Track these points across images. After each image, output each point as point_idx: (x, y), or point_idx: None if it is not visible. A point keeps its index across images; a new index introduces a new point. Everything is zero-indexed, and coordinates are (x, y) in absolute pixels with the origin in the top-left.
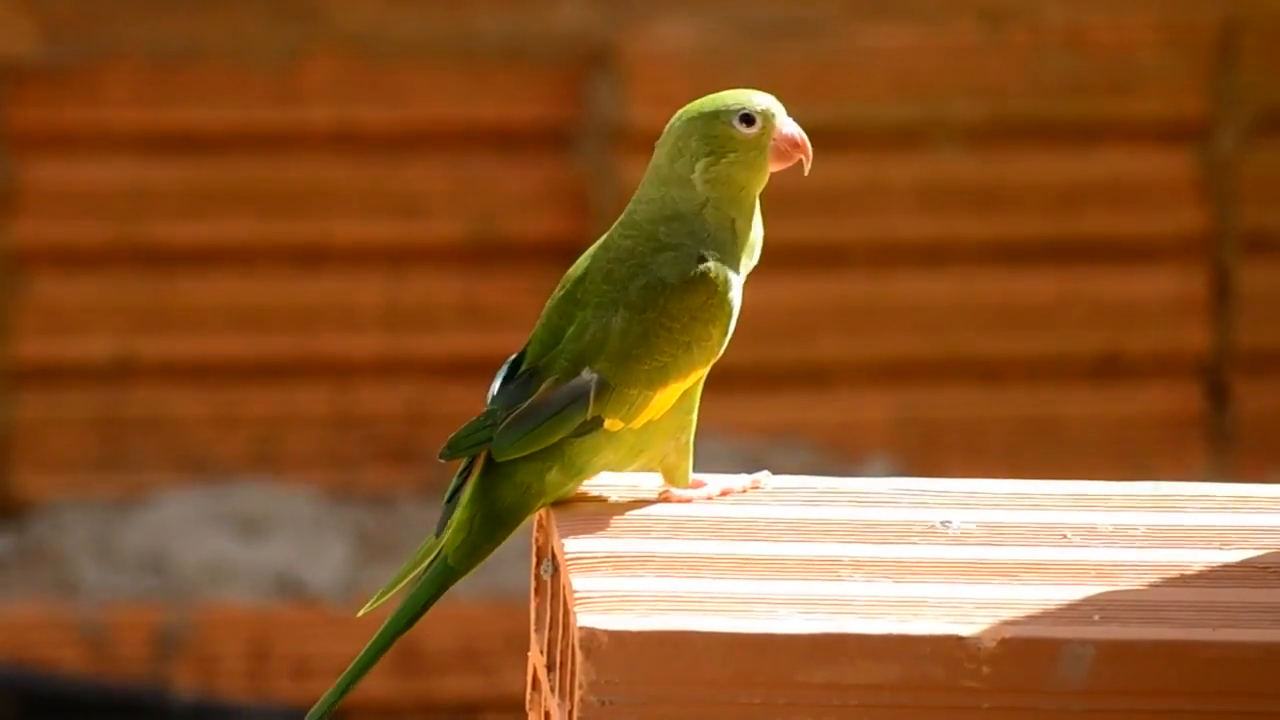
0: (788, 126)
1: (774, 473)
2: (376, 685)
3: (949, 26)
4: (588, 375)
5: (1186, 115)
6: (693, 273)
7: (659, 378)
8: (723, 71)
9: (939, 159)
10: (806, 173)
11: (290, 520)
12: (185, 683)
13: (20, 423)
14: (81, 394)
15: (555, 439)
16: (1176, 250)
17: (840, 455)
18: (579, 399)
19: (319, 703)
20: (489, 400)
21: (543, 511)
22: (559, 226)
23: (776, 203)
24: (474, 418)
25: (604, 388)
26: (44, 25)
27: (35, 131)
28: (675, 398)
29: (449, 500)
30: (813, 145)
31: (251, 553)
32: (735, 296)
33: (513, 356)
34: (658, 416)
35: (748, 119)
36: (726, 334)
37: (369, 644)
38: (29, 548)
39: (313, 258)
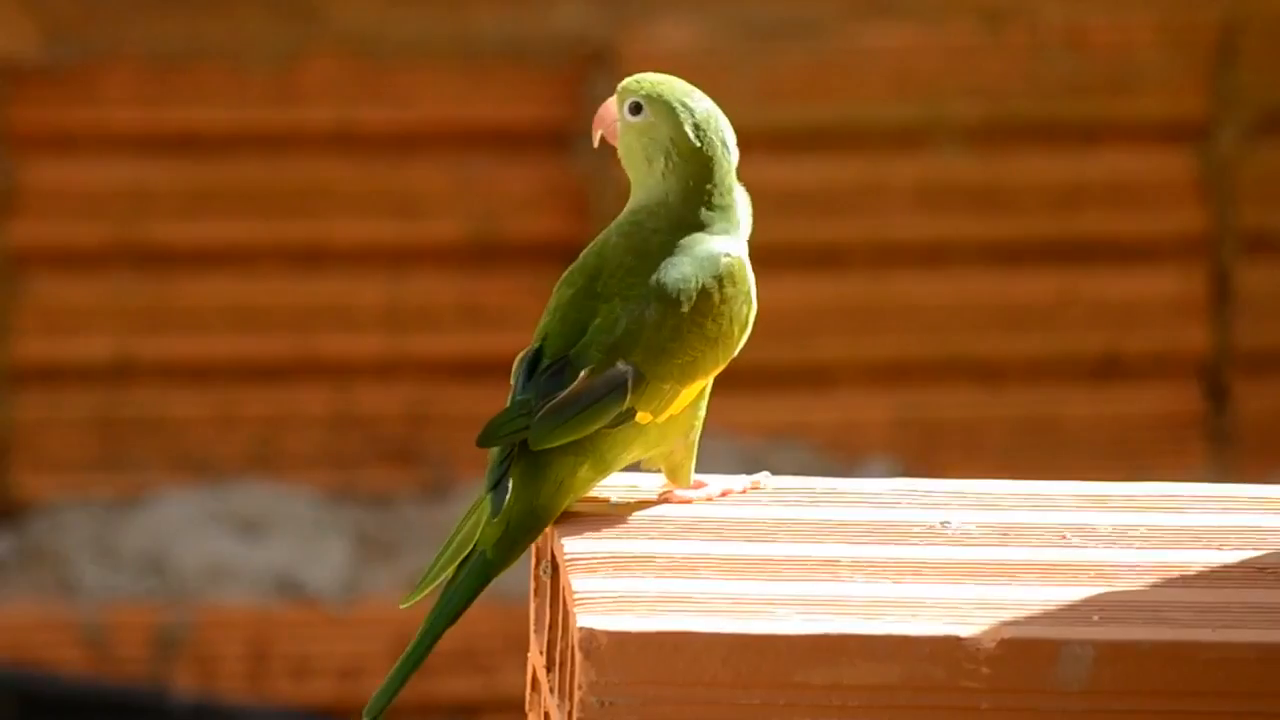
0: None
1: (774, 473)
2: (376, 685)
3: (949, 26)
4: (624, 367)
5: (1186, 115)
6: (724, 268)
7: (690, 372)
8: (723, 71)
9: (939, 159)
10: (595, 145)
11: (290, 520)
12: (185, 683)
13: (20, 423)
14: (81, 394)
15: (593, 428)
16: (1176, 250)
17: (840, 455)
18: (617, 389)
19: (371, 701)
20: (517, 392)
21: None
22: (559, 226)
23: (777, 202)
24: (506, 407)
25: (640, 380)
26: (44, 25)
27: (35, 131)
28: (696, 394)
29: (494, 487)
30: (813, 145)
31: (251, 553)
32: (753, 295)
33: (526, 352)
34: (678, 412)
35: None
36: (747, 330)
37: (414, 641)
38: (29, 548)
39: (313, 258)
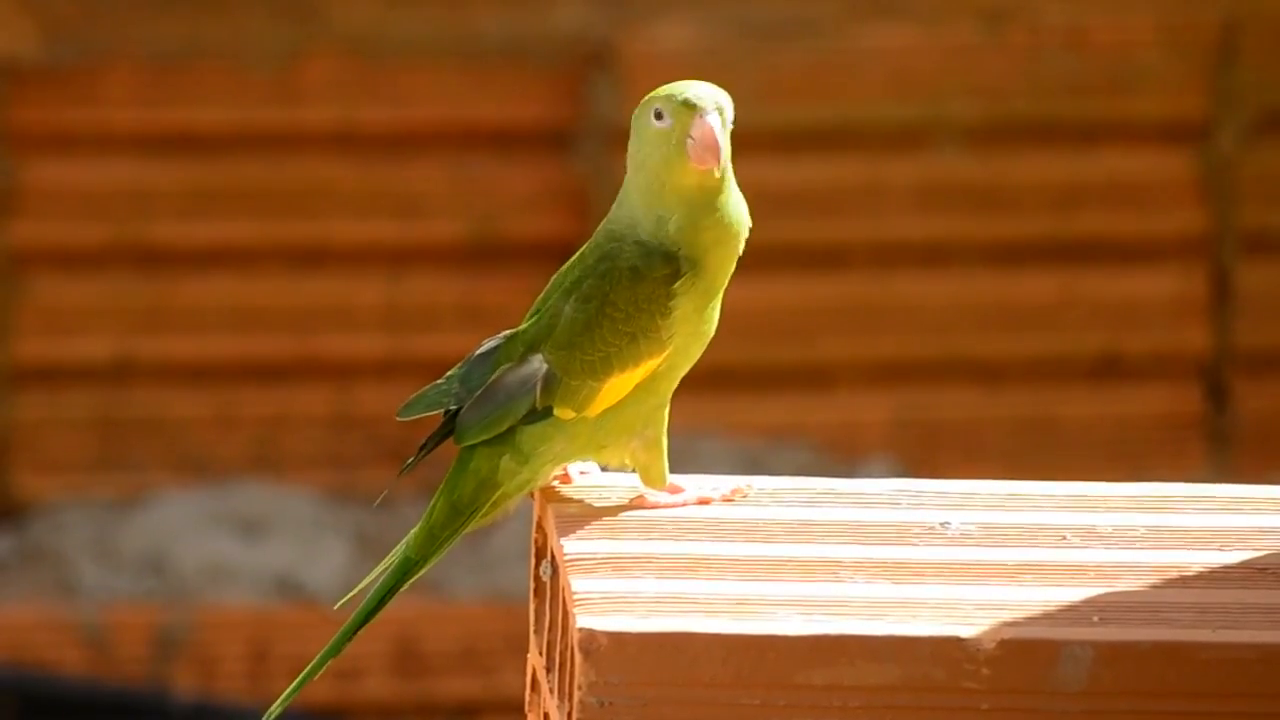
0: (699, 127)
1: (774, 473)
2: (376, 685)
3: (949, 26)
4: (538, 364)
5: (1186, 115)
6: (641, 264)
7: (603, 368)
8: (722, 71)
9: (939, 159)
10: (716, 176)
11: (290, 520)
12: (185, 683)
13: (20, 423)
14: (81, 394)
15: (505, 425)
16: (1176, 250)
17: (840, 456)
18: (527, 389)
19: (281, 697)
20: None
21: (541, 511)
22: (559, 226)
23: (777, 202)
24: (436, 381)
25: (551, 379)
26: (44, 25)
27: (35, 131)
28: (627, 387)
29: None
30: (813, 145)
31: (251, 553)
32: (685, 289)
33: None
34: (613, 404)
35: (658, 114)
36: (675, 328)
37: (335, 635)
38: (29, 548)
39: (313, 258)
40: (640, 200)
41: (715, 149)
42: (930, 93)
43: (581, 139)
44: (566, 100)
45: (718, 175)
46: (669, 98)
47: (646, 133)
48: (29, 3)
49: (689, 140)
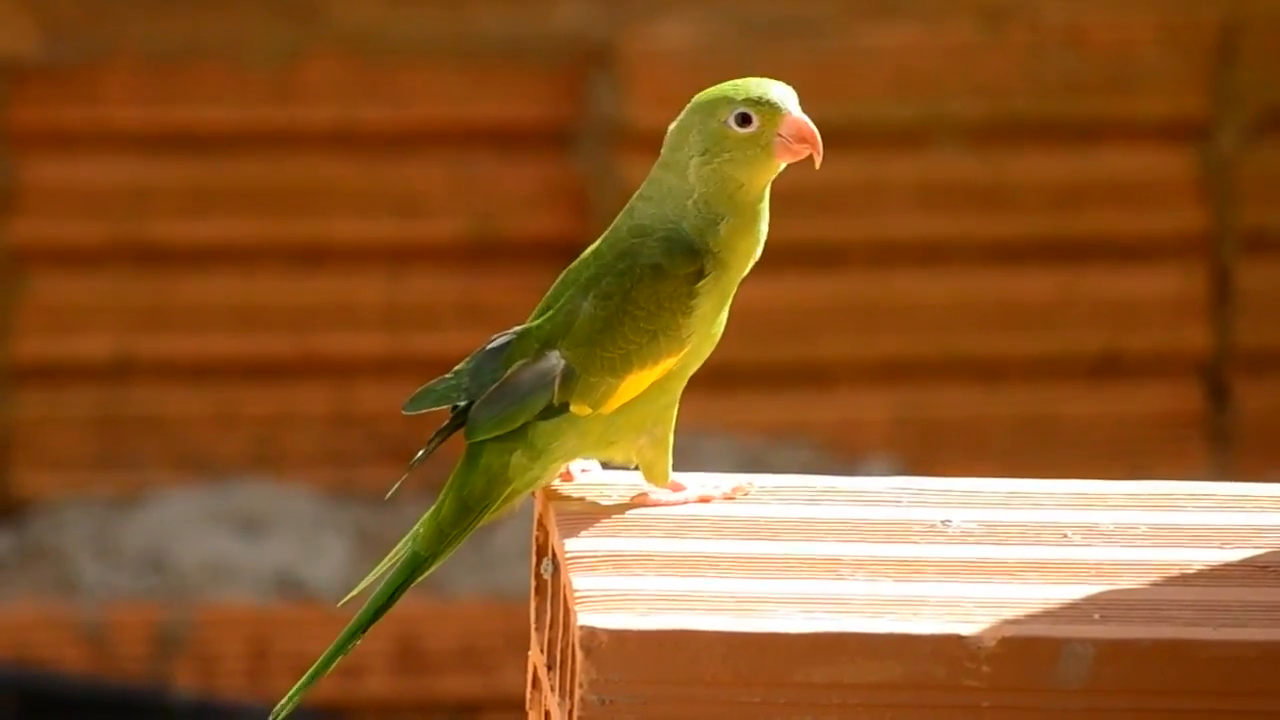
0: (792, 123)
1: (775, 471)
2: (376, 685)
3: (949, 26)
4: (555, 359)
5: (1186, 115)
6: (665, 261)
7: (622, 365)
8: (723, 71)
9: (939, 159)
10: (817, 166)
11: (290, 520)
12: (185, 682)
13: (20, 422)
14: (81, 393)
15: (520, 421)
16: (1176, 250)
17: (840, 455)
18: (544, 385)
19: (288, 694)
20: (465, 361)
21: (543, 509)
22: (559, 226)
23: (776, 202)
24: (443, 375)
25: (570, 375)
26: (44, 25)
27: (35, 131)
28: (644, 385)
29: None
30: None
31: (251, 552)
32: (708, 288)
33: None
34: (628, 401)
35: (744, 118)
36: (695, 327)
37: (342, 632)
38: (29, 547)
39: (313, 257)
40: (699, 201)
41: (813, 136)
42: (931, 92)
43: (581, 139)
44: (566, 100)
45: (819, 164)
46: (750, 101)
47: (729, 137)
48: (29, 2)
49: (777, 138)
